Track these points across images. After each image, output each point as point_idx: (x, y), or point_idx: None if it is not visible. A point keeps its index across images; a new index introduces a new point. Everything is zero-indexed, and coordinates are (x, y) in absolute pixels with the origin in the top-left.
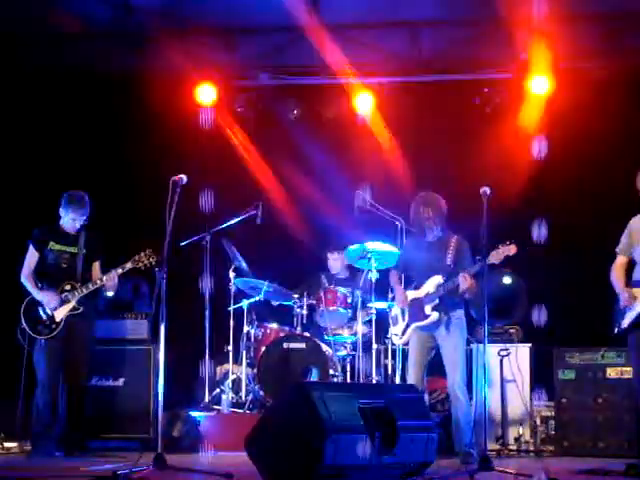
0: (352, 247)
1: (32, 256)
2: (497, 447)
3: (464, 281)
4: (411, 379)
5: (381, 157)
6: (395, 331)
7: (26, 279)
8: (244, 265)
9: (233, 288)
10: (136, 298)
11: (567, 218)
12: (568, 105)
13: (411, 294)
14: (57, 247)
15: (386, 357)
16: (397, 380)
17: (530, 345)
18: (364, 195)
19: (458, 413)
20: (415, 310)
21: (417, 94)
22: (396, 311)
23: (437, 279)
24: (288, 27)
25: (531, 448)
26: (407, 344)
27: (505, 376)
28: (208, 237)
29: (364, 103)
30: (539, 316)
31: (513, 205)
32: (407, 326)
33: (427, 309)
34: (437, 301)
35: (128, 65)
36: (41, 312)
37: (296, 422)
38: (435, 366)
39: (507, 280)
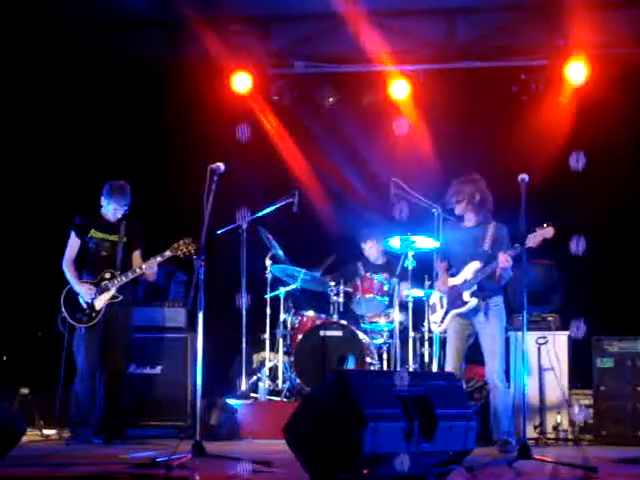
0: (392, 240)
1: (74, 243)
2: (535, 435)
3: (502, 261)
4: (449, 367)
5: (417, 145)
6: (434, 319)
7: (67, 268)
8: (280, 253)
9: (270, 276)
10: (172, 286)
11: (604, 204)
12: (605, 91)
13: (450, 281)
14: (98, 235)
15: (422, 345)
16: (434, 368)
17: (568, 333)
18: (400, 183)
19: (496, 401)
20: (453, 297)
21: (453, 81)
22: (434, 299)
23: (475, 265)
24: (323, 14)
25: (569, 437)
26: (445, 332)
27: (543, 364)
28: (245, 225)
29: (400, 90)
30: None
31: (550, 192)
32: (446, 313)
33: (465, 295)
34: (475, 287)
35: (164, 54)
36: (81, 300)
37: (334, 410)
38: (472, 354)
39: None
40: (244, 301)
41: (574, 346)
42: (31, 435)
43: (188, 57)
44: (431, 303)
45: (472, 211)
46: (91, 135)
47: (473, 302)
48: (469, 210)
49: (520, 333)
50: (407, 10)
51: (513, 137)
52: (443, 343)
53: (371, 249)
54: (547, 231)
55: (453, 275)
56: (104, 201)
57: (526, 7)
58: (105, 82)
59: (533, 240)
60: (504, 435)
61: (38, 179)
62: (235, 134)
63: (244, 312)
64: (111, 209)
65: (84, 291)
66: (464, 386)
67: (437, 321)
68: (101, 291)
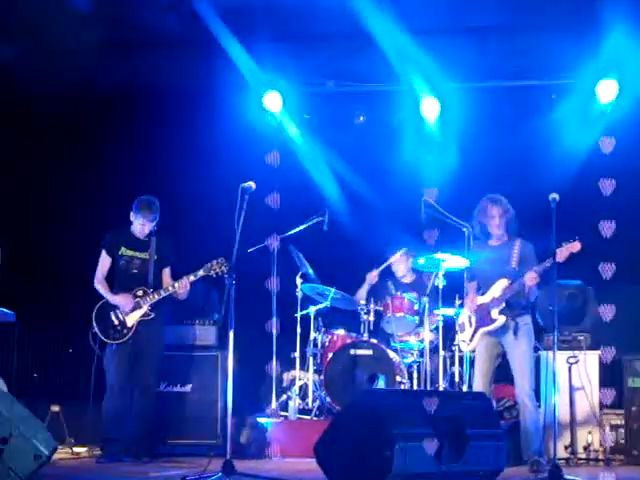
0: (421, 260)
1: (104, 261)
2: (566, 455)
3: (530, 278)
4: (478, 386)
5: (447, 163)
6: (463, 337)
7: (99, 283)
8: (311, 271)
9: (300, 294)
10: (206, 304)
11: (635, 223)
12: (635, 110)
13: (478, 299)
14: (128, 252)
15: (453, 364)
16: (464, 387)
17: (599, 352)
18: (431, 201)
19: (527, 420)
20: (482, 315)
21: (483, 100)
22: (463, 318)
23: (503, 283)
24: (354, 33)
25: (600, 457)
26: (474, 350)
27: (573, 384)
28: (275, 243)
29: (431, 109)
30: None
31: (580, 211)
32: (474, 332)
33: (494, 313)
34: (503, 305)
35: (195, 72)
36: (113, 317)
37: (365, 429)
38: (502, 373)
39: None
40: (274, 319)
41: (605, 366)
42: (62, 452)
43: (219, 76)
44: (460, 322)
45: (499, 229)
46: (124, 153)
47: (501, 320)
48: (499, 228)
49: (550, 352)
50: (438, 28)
51: (544, 156)
52: (473, 362)
53: (399, 263)
54: (574, 245)
55: (481, 293)
56: (133, 216)
57: (557, 26)
58: (136, 100)
59: (560, 254)
60: (534, 455)
61: (75, 196)
62: (266, 153)
63: (274, 331)
64: (139, 224)
65: (122, 302)
66: (494, 405)
67: (466, 340)
68: (133, 308)
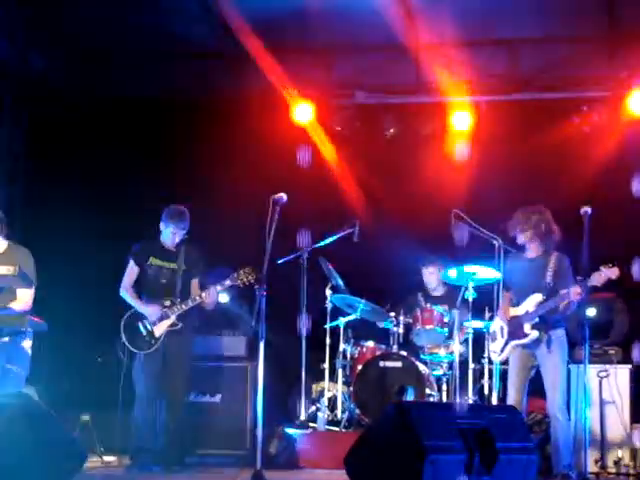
0: (450, 272)
1: (132, 270)
2: (596, 470)
3: (575, 293)
4: (511, 399)
5: (478, 175)
6: (494, 348)
7: (126, 291)
8: (341, 283)
9: (330, 306)
10: (235, 316)
11: None
12: None
13: (511, 311)
14: (157, 262)
15: (482, 377)
16: (494, 400)
17: (630, 366)
18: (460, 213)
19: (557, 434)
20: (514, 328)
21: (515, 112)
22: (495, 327)
23: (537, 297)
24: (385, 45)
25: (631, 472)
26: (505, 362)
27: (604, 398)
28: (305, 255)
29: (462, 121)
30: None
31: (613, 225)
32: (506, 343)
33: (526, 327)
34: (537, 319)
35: (225, 84)
36: (141, 327)
37: (395, 442)
38: (532, 387)
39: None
40: (304, 331)
41: (636, 379)
42: (92, 462)
43: (249, 87)
44: (491, 331)
45: (535, 241)
46: (152, 164)
47: (534, 334)
48: (533, 240)
49: (581, 366)
50: (469, 41)
51: (575, 168)
52: (503, 375)
53: (431, 275)
54: (613, 271)
55: (514, 305)
56: (163, 226)
57: (588, 38)
58: (166, 111)
59: (598, 279)
60: (565, 469)
61: (102, 206)
62: (296, 164)
63: (304, 342)
64: (169, 233)
65: (150, 312)
66: (525, 419)
67: (497, 350)
68: (161, 318)
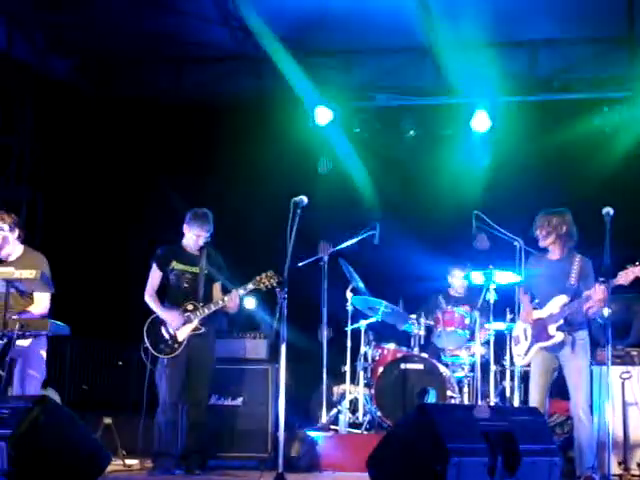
0: (474, 275)
1: (155, 275)
2: (619, 472)
3: (599, 292)
4: (534, 401)
5: (498, 177)
6: (517, 351)
7: (150, 297)
8: (361, 285)
9: (350, 308)
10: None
11: None
12: None
13: (535, 313)
14: (180, 267)
15: (503, 379)
16: (515, 402)
17: None
18: (481, 215)
19: (580, 436)
20: (538, 330)
21: (535, 113)
22: (518, 331)
23: (562, 299)
24: (405, 47)
25: None
26: (528, 365)
27: (627, 399)
28: (325, 257)
29: (481, 123)
30: None
31: (634, 226)
32: (530, 346)
33: (551, 329)
34: (561, 321)
35: (246, 87)
36: (164, 331)
37: (418, 444)
38: (554, 388)
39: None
40: (325, 333)
41: None
42: (114, 465)
43: (270, 90)
44: (514, 335)
45: (558, 243)
46: (173, 167)
47: (559, 336)
48: (555, 242)
49: (604, 367)
50: (489, 42)
51: (596, 169)
52: (524, 377)
53: (458, 278)
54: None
55: (538, 307)
56: (186, 229)
57: (608, 39)
58: (186, 115)
59: (624, 278)
60: (588, 470)
61: (125, 210)
62: (316, 167)
63: (325, 344)
64: (193, 236)
65: (171, 318)
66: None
67: (521, 353)
68: (184, 322)
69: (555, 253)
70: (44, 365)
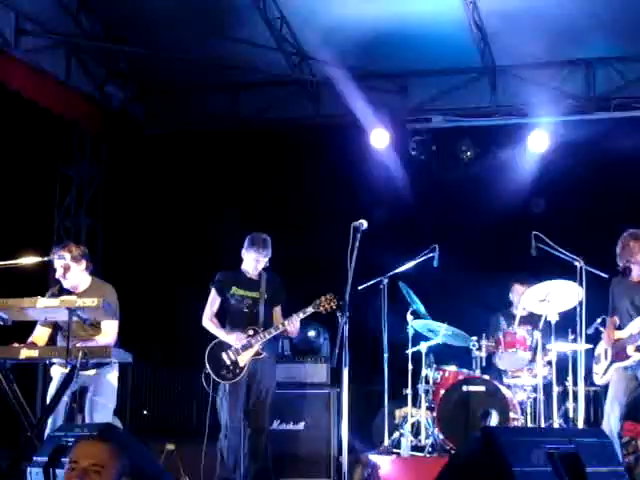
0: (530, 291)
1: (214, 300)
2: None
3: None
4: (610, 418)
5: (557, 197)
6: (597, 370)
7: (209, 321)
8: (421, 307)
9: (411, 331)
10: (317, 342)
11: None
12: None
13: (616, 334)
14: (239, 292)
15: (567, 400)
16: (580, 423)
17: None
18: (541, 235)
19: None
20: (617, 350)
21: (592, 132)
22: (600, 350)
23: None
24: (460, 69)
25: None
26: (606, 385)
27: None
28: (385, 280)
29: (538, 143)
30: None
31: None
32: (609, 366)
33: (629, 349)
34: None
35: (302, 111)
36: (225, 357)
37: (483, 468)
38: None
39: None
40: (386, 356)
41: None
42: None
43: (326, 114)
44: (596, 354)
45: (637, 265)
46: (231, 194)
47: (637, 356)
48: (635, 265)
49: None
50: (545, 63)
51: None
52: (589, 398)
53: (520, 294)
54: None
55: (620, 328)
56: (245, 254)
57: None
58: (245, 141)
59: None
60: None
61: (185, 235)
62: (375, 189)
63: (386, 367)
64: (252, 260)
65: (234, 339)
66: (618, 442)
67: (600, 372)
68: (245, 348)
69: (637, 275)
70: (115, 393)
